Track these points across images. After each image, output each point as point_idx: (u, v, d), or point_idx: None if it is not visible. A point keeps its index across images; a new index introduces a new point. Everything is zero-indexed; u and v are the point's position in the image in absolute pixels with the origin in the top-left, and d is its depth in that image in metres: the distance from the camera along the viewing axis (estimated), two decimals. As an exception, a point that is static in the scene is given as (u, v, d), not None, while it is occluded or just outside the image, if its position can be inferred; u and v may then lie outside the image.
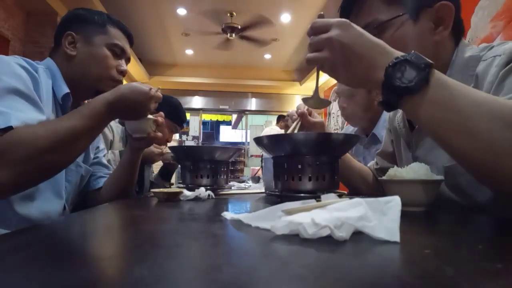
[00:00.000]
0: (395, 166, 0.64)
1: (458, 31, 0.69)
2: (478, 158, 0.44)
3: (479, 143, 0.44)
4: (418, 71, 0.46)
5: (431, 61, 0.46)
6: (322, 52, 0.53)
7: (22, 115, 0.65)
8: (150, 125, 0.93)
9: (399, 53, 0.49)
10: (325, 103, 0.71)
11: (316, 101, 0.68)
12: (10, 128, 0.62)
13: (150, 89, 0.79)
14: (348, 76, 0.54)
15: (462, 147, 0.45)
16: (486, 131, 0.43)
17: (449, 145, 0.47)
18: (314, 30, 0.54)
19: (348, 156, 0.91)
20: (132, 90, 0.77)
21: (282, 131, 0.93)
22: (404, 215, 0.34)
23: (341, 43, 0.51)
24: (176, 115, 1.62)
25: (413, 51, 0.48)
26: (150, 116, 0.92)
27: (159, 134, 0.97)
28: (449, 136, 0.46)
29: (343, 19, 0.52)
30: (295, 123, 0.86)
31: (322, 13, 0.59)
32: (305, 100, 0.70)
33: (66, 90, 0.84)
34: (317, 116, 0.91)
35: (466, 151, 0.45)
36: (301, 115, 0.86)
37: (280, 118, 5.61)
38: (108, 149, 1.42)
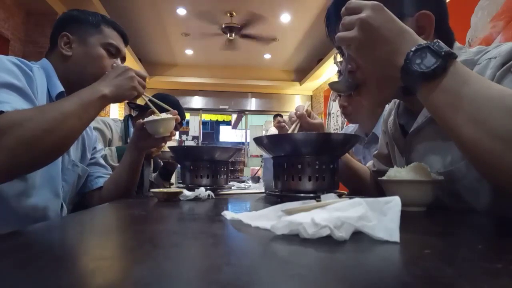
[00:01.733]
0: (395, 166, 0.64)
1: (447, 40, 0.67)
2: (487, 147, 0.44)
3: (489, 133, 0.44)
4: (437, 58, 0.47)
5: (453, 51, 0.47)
6: (351, 31, 0.54)
7: (16, 106, 0.66)
8: (172, 124, 0.95)
9: (424, 41, 0.50)
10: (353, 87, 0.71)
11: (343, 84, 0.68)
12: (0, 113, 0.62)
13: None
14: (371, 58, 0.55)
15: (472, 136, 0.45)
16: (497, 121, 0.43)
17: (458, 134, 0.47)
18: (348, 11, 0.55)
19: (347, 156, 0.91)
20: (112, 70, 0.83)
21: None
22: (404, 215, 0.34)
23: (370, 25, 0.52)
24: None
25: (436, 39, 0.49)
26: (170, 116, 0.94)
27: (174, 132, 0.99)
28: (460, 124, 0.46)
29: (377, 2, 0.53)
30: (294, 124, 0.85)
31: None
32: (331, 84, 0.70)
33: (60, 88, 0.84)
34: (316, 117, 0.90)
35: (475, 140, 0.45)
36: (300, 117, 0.86)
37: (276, 117, 5.63)
38: (106, 147, 1.42)
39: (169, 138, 0.97)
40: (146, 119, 0.93)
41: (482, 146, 0.44)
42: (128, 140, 1.58)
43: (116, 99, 0.81)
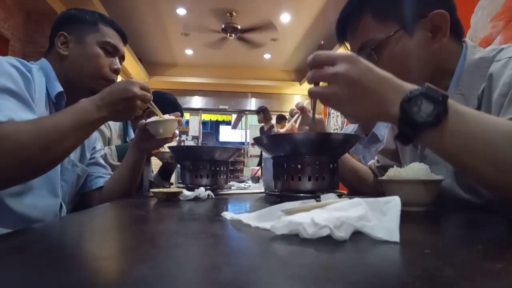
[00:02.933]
0: (395, 166, 0.64)
1: (458, 31, 0.69)
2: (509, 183, 0.45)
3: (508, 172, 0.44)
4: (436, 104, 0.45)
5: (446, 93, 0.46)
6: (329, 87, 0.51)
7: (10, 114, 0.64)
8: (175, 125, 0.95)
9: (410, 86, 0.48)
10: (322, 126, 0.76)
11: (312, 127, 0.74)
12: None
13: (139, 87, 0.79)
14: (357, 111, 0.52)
15: (492, 175, 0.46)
16: None
17: (476, 174, 0.48)
18: (317, 63, 0.52)
19: (347, 156, 0.91)
20: (115, 84, 0.79)
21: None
22: (404, 215, 0.34)
23: (350, 79, 0.48)
24: (172, 111, 1.62)
25: (426, 83, 0.47)
26: (172, 117, 0.94)
27: (175, 134, 0.99)
28: (477, 166, 0.47)
29: (349, 53, 0.50)
30: (295, 116, 0.87)
31: (322, 42, 0.60)
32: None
33: (59, 88, 0.84)
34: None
35: (496, 179, 0.46)
36: (302, 109, 0.87)
37: (280, 119, 5.61)
38: (105, 146, 1.42)
39: (170, 139, 0.97)
40: (148, 120, 0.93)
41: (504, 182, 0.45)
42: (127, 139, 1.58)
43: (114, 120, 0.81)
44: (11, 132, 0.61)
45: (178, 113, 0.99)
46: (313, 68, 0.52)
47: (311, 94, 0.53)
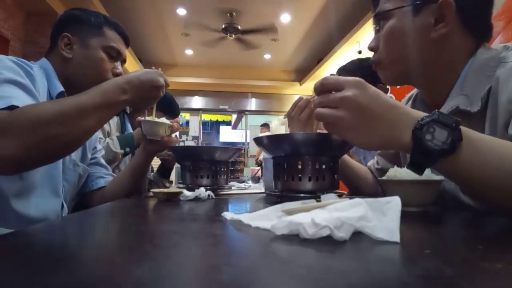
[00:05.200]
0: (395, 166, 0.64)
1: (476, 30, 0.67)
2: None
3: None
4: (450, 130, 0.44)
5: (458, 119, 0.45)
6: (336, 110, 0.49)
7: (22, 101, 0.65)
8: (165, 130, 0.95)
9: (419, 113, 0.47)
10: None
11: None
12: (15, 107, 0.62)
13: (164, 81, 0.82)
14: (364, 138, 0.50)
15: (505, 203, 0.46)
16: None
17: (490, 202, 0.49)
18: (325, 87, 0.51)
19: (347, 156, 0.91)
20: (145, 71, 0.80)
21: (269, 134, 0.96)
22: (404, 215, 0.34)
23: (357, 104, 0.48)
24: (170, 109, 1.64)
25: (436, 110, 0.46)
26: (165, 121, 0.94)
27: (174, 139, 0.99)
28: (490, 194, 0.47)
29: (358, 78, 0.49)
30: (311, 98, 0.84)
31: (334, 73, 0.60)
32: None
33: (60, 88, 0.84)
34: None
35: (508, 207, 0.46)
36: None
37: (264, 126, 6.05)
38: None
39: (175, 142, 0.98)
40: (142, 119, 0.94)
41: None
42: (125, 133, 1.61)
43: (134, 106, 0.84)
44: (30, 109, 0.62)
45: (177, 119, 1.00)
46: (321, 93, 0.52)
47: (318, 117, 0.52)
